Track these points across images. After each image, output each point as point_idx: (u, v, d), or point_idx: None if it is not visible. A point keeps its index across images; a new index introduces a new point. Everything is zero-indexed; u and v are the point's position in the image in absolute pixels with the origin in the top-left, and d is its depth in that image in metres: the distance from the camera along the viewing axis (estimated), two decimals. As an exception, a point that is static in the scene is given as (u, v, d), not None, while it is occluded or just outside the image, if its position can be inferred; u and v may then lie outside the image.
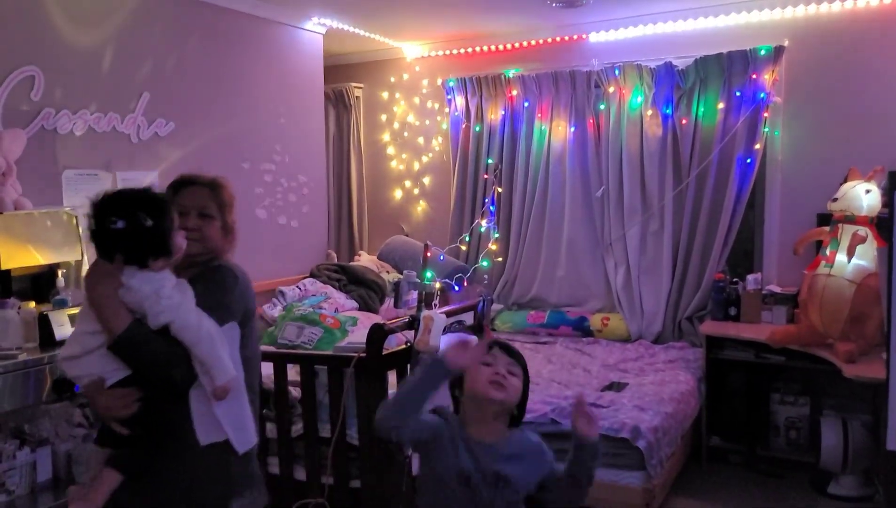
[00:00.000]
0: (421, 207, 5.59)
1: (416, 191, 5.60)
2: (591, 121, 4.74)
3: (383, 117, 5.67)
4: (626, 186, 4.62)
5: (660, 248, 4.58)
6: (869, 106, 4.05)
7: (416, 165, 5.57)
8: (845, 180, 3.59)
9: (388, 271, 4.89)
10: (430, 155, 5.50)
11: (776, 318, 4.08)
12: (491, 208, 5.05)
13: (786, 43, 4.21)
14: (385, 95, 5.64)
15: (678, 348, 4.39)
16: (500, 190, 5.05)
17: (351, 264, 4.76)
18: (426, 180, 5.54)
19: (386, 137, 5.68)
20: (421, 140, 5.53)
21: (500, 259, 5.10)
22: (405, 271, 2.66)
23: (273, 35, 4.40)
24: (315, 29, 4.68)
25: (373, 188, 5.72)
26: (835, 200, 3.52)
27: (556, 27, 4.87)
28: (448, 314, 2.66)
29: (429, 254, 2.65)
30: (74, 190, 3.26)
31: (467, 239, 5.07)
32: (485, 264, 5.03)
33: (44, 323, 2.72)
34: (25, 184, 2.98)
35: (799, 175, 4.26)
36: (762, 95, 4.22)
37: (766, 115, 4.24)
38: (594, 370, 4.11)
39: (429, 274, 2.67)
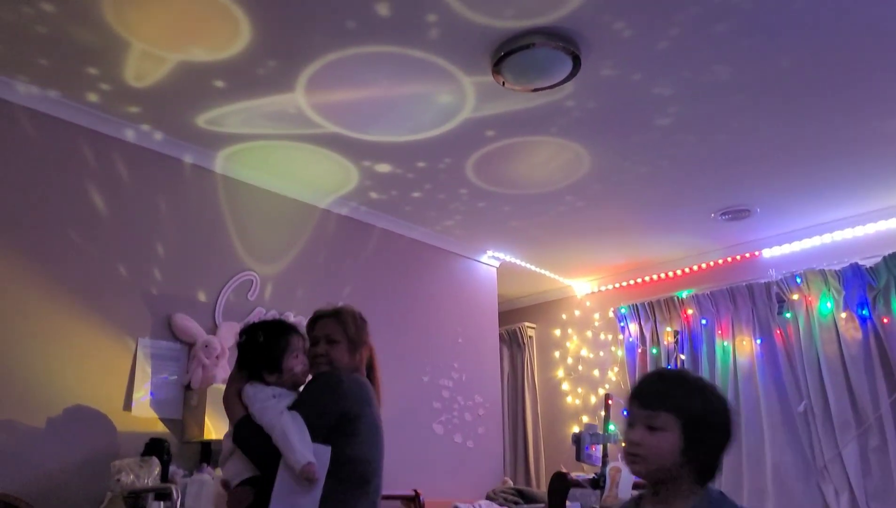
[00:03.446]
0: (600, 442, 5.29)
1: (594, 426, 5.35)
2: (779, 332, 4.48)
3: (556, 354, 5.72)
4: (831, 397, 4.16)
5: (887, 466, 3.92)
6: None
7: (593, 399, 5.41)
8: None
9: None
10: (607, 387, 5.34)
11: None
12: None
13: None
14: (557, 332, 5.75)
15: (940, 590, 3.51)
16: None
17: (529, 488, 4.48)
18: (604, 413, 5.31)
19: (560, 373, 5.66)
20: (596, 373, 5.45)
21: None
22: (586, 424, 2.51)
23: (452, 264, 4.82)
24: (489, 262, 5.07)
25: (548, 425, 5.56)
26: None
27: (726, 247, 4.88)
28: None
29: (610, 402, 2.51)
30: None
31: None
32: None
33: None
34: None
35: None
36: (972, 283, 3.86)
37: (983, 303, 3.83)
38: None
39: (612, 426, 2.50)
